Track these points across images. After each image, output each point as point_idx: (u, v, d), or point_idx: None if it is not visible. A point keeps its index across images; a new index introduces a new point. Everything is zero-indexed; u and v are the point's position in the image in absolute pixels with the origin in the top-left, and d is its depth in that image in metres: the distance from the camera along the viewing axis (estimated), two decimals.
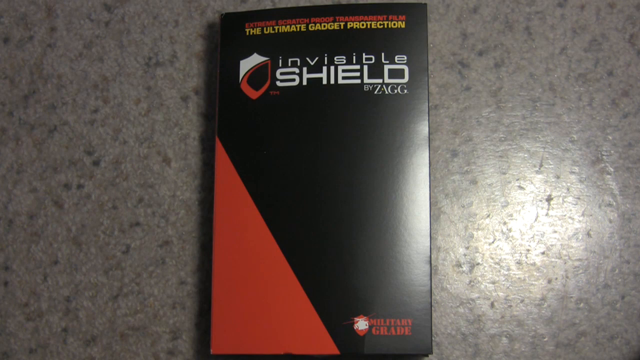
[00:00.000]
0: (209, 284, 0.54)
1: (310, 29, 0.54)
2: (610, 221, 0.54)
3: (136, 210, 0.56)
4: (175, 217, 0.55)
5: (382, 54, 0.53)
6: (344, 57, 0.53)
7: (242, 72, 0.54)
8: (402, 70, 0.53)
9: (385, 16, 0.53)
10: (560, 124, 0.55)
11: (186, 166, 0.56)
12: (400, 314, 0.50)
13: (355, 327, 0.50)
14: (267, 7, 0.57)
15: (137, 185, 0.56)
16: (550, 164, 0.54)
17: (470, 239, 0.54)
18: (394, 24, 0.53)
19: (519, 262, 0.53)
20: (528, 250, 0.53)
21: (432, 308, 0.51)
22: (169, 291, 0.55)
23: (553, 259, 0.53)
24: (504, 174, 0.54)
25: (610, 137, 0.54)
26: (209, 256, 0.55)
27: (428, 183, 0.51)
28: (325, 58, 0.53)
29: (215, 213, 0.52)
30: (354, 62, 0.53)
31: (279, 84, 0.53)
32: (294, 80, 0.53)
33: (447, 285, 0.53)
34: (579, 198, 0.54)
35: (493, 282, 0.53)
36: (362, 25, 0.53)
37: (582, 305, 0.53)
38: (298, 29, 0.54)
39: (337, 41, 0.53)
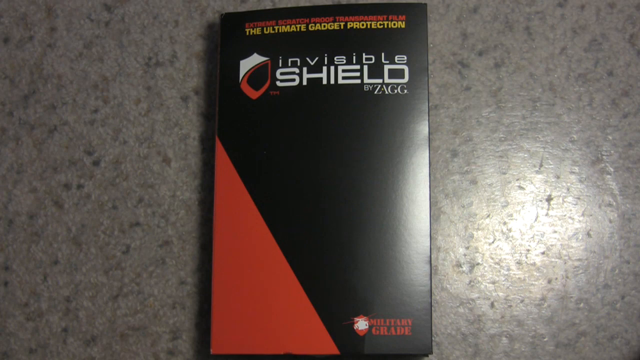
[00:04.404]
0: (209, 284, 0.54)
1: (310, 29, 0.54)
2: (610, 221, 0.54)
3: (136, 210, 0.56)
4: (175, 217, 0.55)
5: (382, 54, 0.53)
6: (344, 57, 0.53)
7: (242, 72, 0.54)
8: (402, 70, 0.53)
9: (385, 16, 0.53)
10: (560, 124, 0.55)
11: (186, 166, 0.56)
12: (400, 314, 0.50)
13: (355, 327, 0.50)
14: (267, 7, 0.57)
15: (137, 185, 0.56)
16: (550, 164, 0.54)
17: (470, 239, 0.54)
18: (394, 24, 0.53)
19: (519, 262, 0.53)
20: (528, 250, 0.53)
21: (432, 308, 0.51)
22: (169, 291, 0.55)
23: (553, 259, 0.53)
24: (504, 174, 0.54)
25: (610, 137, 0.54)
26: (209, 256, 0.55)
27: (428, 183, 0.51)
28: (325, 58, 0.53)
29: (215, 213, 0.52)
30: (354, 62, 0.53)
31: (279, 84, 0.53)
32: (294, 80, 0.53)
33: (447, 285, 0.53)
34: (579, 198, 0.54)
35: (493, 282, 0.53)
36: (362, 25, 0.53)
37: (582, 305, 0.53)
38: (298, 29, 0.54)
39: (337, 41, 0.53)
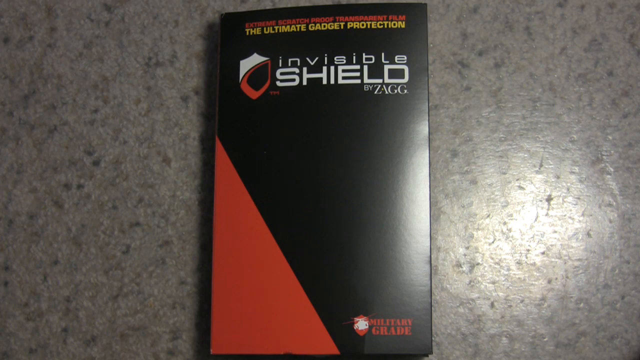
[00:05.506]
0: (209, 284, 0.54)
1: (310, 29, 0.54)
2: (610, 221, 0.54)
3: (136, 210, 0.56)
4: (175, 217, 0.55)
5: (382, 54, 0.53)
6: (344, 57, 0.53)
7: (242, 72, 0.54)
8: (402, 70, 0.53)
9: (385, 16, 0.53)
10: (560, 124, 0.55)
11: (186, 166, 0.56)
12: (400, 314, 0.50)
13: (355, 327, 0.50)
14: (267, 7, 0.57)
15: (137, 185, 0.56)
16: (550, 164, 0.54)
17: (470, 239, 0.54)
18: (394, 24, 0.53)
19: (519, 262, 0.53)
20: (528, 250, 0.53)
21: (432, 308, 0.51)
22: (169, 291, 0.55)
23: (553, 259, 0.53)
24: (504, 174, 0.54)
25: (610, 137, 0.54)
26: (209, 256, 0.55)
27: (428, 183, 0.51)
28: (325, 58, 0.53)
29: (215, 213, 0.52)
30: (354, 62, 0.53)
31: (279, 84, 0.53)
32: (294, 80, 0.53)
33: (447, 285, 0.53)
34: (579, 198, 0.54)
35: (493, 282, 0.53)
36: (362, 25, 0.53)
37: (582, 305, 0.53)
38: (298, 29, 0.54)
39: (337, 41, 0.53)
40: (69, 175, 0.57)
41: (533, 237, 0.54)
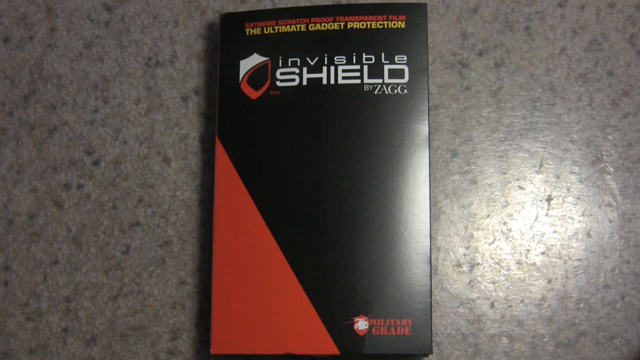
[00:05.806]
0: (209, 284, 0.54)
1: (310, 29, 0.54)
2: (610, 221, 0.54)
3: (136, 210, 0.56)
4: (175, 217, 0.55)
5: (382, 54, 0.53)
6: (344, 57, 0.53)
7: (242, 72, 0.54)
8: (402, 70, 0.53)
9: (385, 16, 0.53)
10: (560, 124, 0.55)
11: (186, 166, 0.56)
12: (400, 314, 0.50)
13: (355, 327, 0.50)
14: (267, 7, 0.57)
15: (137, 185, 0.56)
16: (550, 164, 0.54)
17: (470, 239, 0.54)
18: (394, 24, 0.53)
19: (519, 262, 0.53)
20: (528, 250, 0.53)
21: (432, 308, 0.51)
22: (169, 291, 0.55)
23: (553, 259, 0.53)
24: (504, 174, 0.54)
25: (610, 137, 0.54)
26: (209, 256, 0.55)
27: (428, 183, 0.51)
28: (325, 58, 0.53)
29: (215, 213, 0.52)
30: (354, 62, 0.53)
31: (279, 84, 0.53)
32: (294, 80, 0.53)
33: (447, 285, 0.53)
34: (579, 198, 0.54)
35: (493, 282, 0.53)
36: (362, 25, 0.53)
37: (582, 305, 0.53)
38: (298, 29, 0.54)
39: (337, 41, 0.53)
40: (69, 175, 0.57)
41: (533, 237, 0.54)
